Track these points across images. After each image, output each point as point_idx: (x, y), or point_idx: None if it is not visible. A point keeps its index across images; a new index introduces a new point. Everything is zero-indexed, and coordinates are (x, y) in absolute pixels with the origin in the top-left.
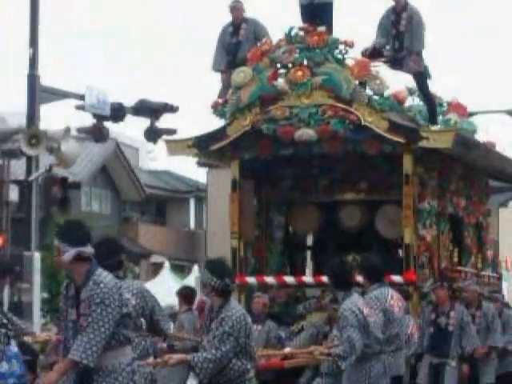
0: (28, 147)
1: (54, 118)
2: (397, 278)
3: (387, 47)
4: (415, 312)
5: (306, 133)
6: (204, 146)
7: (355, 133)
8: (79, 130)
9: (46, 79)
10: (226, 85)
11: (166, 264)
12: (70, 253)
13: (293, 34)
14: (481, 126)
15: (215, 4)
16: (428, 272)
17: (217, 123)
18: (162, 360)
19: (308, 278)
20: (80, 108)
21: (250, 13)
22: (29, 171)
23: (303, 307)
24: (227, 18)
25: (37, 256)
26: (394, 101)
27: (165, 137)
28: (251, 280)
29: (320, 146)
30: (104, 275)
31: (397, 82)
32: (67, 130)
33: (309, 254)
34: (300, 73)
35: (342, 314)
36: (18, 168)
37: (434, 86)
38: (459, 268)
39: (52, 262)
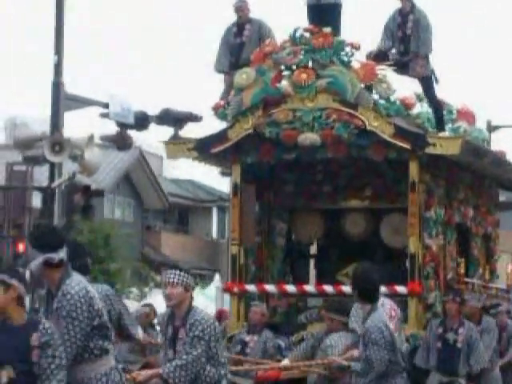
0: (51, 154)
1: (78, 125)
2: (401, 289)
3: (393, 50)
4: (420, 324)
5: (310, 137)
6: (204, 149)
7: (360, 138)
8: (103, 138)
9: (71, 86)
10: (229, 86)
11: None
12: (37, 259)
13: (298, 35)
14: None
15: (220, 4)
16: (433, 283)
17: (218, 126)
18: (130, 376)
19: (310, 287)
20: (104, 116)
21: (255, 13)
22: (52, 178)
23: (304, 317)
24: (232, 18)
25: None
26: (401, 106)
27: (164, 138)
28: (251, 288)
29: (324, 151)
30: (73, 285)
31: (404, 86)
32: (91, 138)
33: (312, 262)
34: (304, 75)
35: (368, 331)
36: (41, 175)
37: (441, 93)
38: (466, 279)
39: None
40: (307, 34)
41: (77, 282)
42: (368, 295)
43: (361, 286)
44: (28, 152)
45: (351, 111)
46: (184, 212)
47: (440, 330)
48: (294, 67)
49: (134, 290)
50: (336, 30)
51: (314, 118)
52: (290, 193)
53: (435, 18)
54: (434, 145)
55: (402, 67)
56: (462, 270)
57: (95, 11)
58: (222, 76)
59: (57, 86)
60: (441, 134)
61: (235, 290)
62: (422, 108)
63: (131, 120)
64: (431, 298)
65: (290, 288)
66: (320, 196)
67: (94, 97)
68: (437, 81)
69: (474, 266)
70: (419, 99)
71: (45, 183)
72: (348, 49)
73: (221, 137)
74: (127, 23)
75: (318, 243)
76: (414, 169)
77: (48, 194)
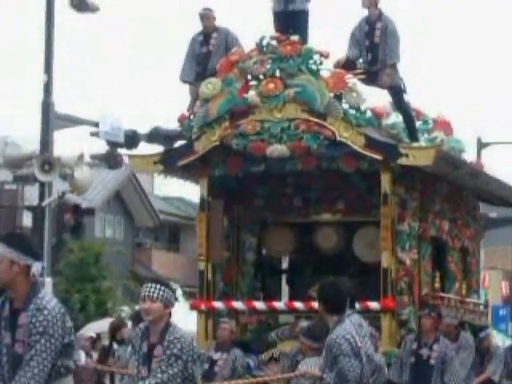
0: (41, 173)
1: (68, 144)
2: (373, 305)
3: (360, 60)
4: (393, 342)
5: (278, 149)
6: (170, 163)
7: (330, 149)
8: (93, 157)
9: (60, 106)
10: (195, 97)
11: (179, 291)
12: (20, 263)
13: (264, 43)
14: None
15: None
16: (407, 299)
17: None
18: None
19: (280, 304)
20: (94, 135)
21: (221, 21)
22: (42, 197)
23: (275, 334)
24: (197, 27)
25: (48, 281)
26: (372, 115)
27: (128, 152)
28: (219, 305)
29: (293, 163)
30: (48, 299)
31: (378, 96)
32: (81, 157)
33: (284, 277)
34: (272, 85)
35: (335, 342)
36: (31, 194)
37: (415, 102)
38: (441, 294)
39: (65, 288)
40: (274, 42)
41: (50, 298)
42: (334, 307)
43: (326, 297)
44: (18, 171)
45: (320, 121)
46: (175, 229)
47: (414, 346)
48: (262, 77)
49: (126, 308)
50: (304, 38)
51: (282, 129)
52: (260, 206)
53: (442, 32)
54: (407, 155)
55: (370, 77)
56: (438, 285)
57: (84, 31)
58: (188, 87)
59: (46, 104)
60: (414, 145)
61: (202, 307)
62: (398, 118)
63: (121, 138)
64: (405, 314)
65: (260, 305)
66: (291, 209)
67: (84, 116)
68: (405, 90)
69: (451, 280)
70: (395, 109)
71: (35, 202)
72: (316, 57)
73: (187, 149)
74: (118, 41)
75: (290, 258)
76: (386, 180)
77: (38, 213)
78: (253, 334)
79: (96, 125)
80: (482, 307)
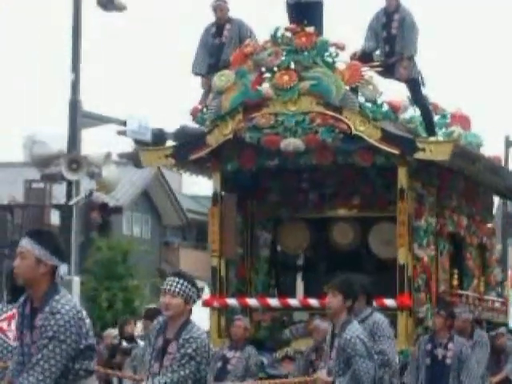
0: (69, 172)
1: (95, 142)
2: (390, 302)
3: (377, 52)
4: (410, 340)
5: (293, 143)
6: (182, 156)
7: (346, 143)
8: (120, 156)
9: (88, 104)
10: (208, 90)
11: (206, 289)
12: (47, 263)
13: (279, 35)
14: None
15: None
16: (424, 296)
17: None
18: None
19: (294, 301)
20: (121, 133)
21: (234, 12)
22: (69, 196)
23: (289, 332)
24: (210, 18)
25: (76, 280)
26: (389, 109)
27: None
28: (232, 302)
29: (308, 157)
30: (64, 302)
31: (395, 89)
32: (108, 156)
33: (299, 274)
34: (286, 77)
35: (350, 342)
36: (59, 192)
37: (435, 96)
38: (459, 292)
39: (93, 286)
40: (289, 34)
41: (67, 300)
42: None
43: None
44: (46, 170)
45: (336, 115)
46: (202, 228)
47: (429, 347)
48: (276, 69)
49: (154, 306)
50: (319, 30)
51: (296, 122)
52: (275, 202)
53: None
54: (424, 150)
55: (387, 69)
56: (456, 282)
57: (112, 29)
58: (200, 79)
59: (74, 103)
60: (431, 139)
61: (215, 304)
62: (415, 112)
63: (148, 137)
64: (422, 312)
65: (274, 302)
66: (306, 205)
67: (112, 114)
68: (423, 83)
69: (469, 277)
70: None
71: (63, 200)
72: (332, 49)
73: (199, 143)
74: (146, 40)
75: (305, 254)
76: (402, 175)
77: (66, 211)
78: (267, 332)
79: (123, 123)
80: (500, 304)
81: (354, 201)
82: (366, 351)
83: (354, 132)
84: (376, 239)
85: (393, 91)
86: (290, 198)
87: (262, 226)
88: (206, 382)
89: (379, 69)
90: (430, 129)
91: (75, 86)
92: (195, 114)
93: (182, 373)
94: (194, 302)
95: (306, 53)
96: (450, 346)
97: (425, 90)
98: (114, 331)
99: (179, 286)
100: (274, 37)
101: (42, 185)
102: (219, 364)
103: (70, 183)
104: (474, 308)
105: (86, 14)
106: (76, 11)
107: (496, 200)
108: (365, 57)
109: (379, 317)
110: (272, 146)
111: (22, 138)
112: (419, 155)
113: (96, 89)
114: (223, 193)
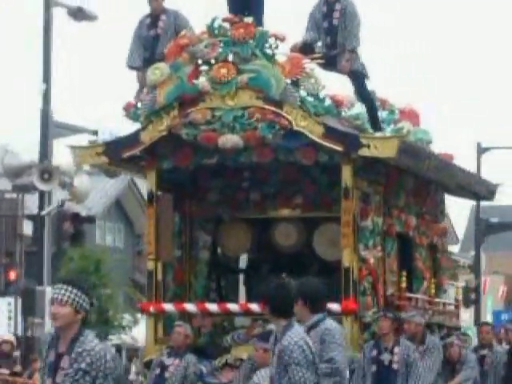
0: (40, 182)
1: (67, 153)
2: (334, 307)
3: (319, 43)
4: (356, 346)
5: (231, 139)
6: (115, 154)
7: (287, 139)
8: (92, 165)
9: (59, 114)
10: (143, 84)
11: None
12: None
13: (216, 25)
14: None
15: None
16: (371, 299)
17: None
18: None
19: (234, 306)
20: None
21: (170, 3)
22: (41, 206)
23: (231, 338)
24: (145, 10)
25: (49, 290)
26: (332, 103)
27: (71, 143)
28: (168, 307)
29: (248, 155)
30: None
31: (339, 82)
32: (79, 166)
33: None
34: (224, 70)
35: (287, 349)
36: (32, 203)
37: (384, 92)
38: (408, 295)
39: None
40: (226, 25)
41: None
42: (282, 310)
43: (273, 299)
44: (18, 180)
45: (276, 110)
46: None
47: (374, 353)
48: (213, 61)
49: (127, 316)
50: (258, 20)
51: (235, 117)
52: (214, 202)
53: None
54: (369, 146)
55: (329, 62)
56: (404, 285)
57: (83, 38)
58: (136, 74)
59: (45, 113)
60: (376, 135)
61: (151, 310)
62: (362, 108)
63: None
64: (369, 317)
65: (213, 307)
66: (247, 205)
67: (83, 124)
68: (366, 76)
69: (419, 279)
70: None
71: (35, 211)
72: (272, 40)
73: (132, 140)
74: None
75: (248, 257)
76: (347, 173)
77: (38, 221)
78: (207, 338)
79: (95, 133)
80: (452, 307)
81: (297, 200)
82: (304, 359)
83: (294, 128)
84: (321, 241)
85: (338, 86)
86: (230, 197)
87: (202, 227)
88: None
89: (321, 61)
90: (375, 124)
91: (46, 96)
92: (128, 110)
93: None
94: (86, 310)
95: (244, 44)
96: (397, 350)
97: (369, 84)
98: None
99: (68, 293)
100: (210, 28)
101: (14, 195)
102: (157, 371)
103: (42, 193)
104: (425, 311)
105: (57, 24)
106: (47, 21)
107: (469, 205)
108: (306, 48)
109: (330, 323)
110: (209, 142)
111: None
112: (364, 152)
113: (67, 99)
114: (159, 192)
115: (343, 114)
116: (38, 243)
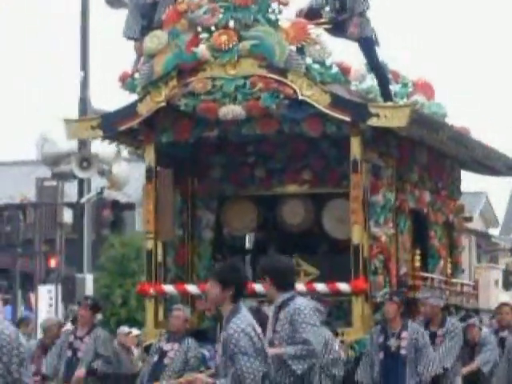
0: (79, 170)
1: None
2: (343, 287)
3: (327, 8)
4: (366, 328)
5: (232, 110)
6: (110, 128)
7: (292, 110)
8: (130, 152)
9: (98, 102)
10: (140, 54)
11: None
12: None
13: None
14: None
15: None
16: (383, 279)
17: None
18: None
19: None
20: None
21: None
22: (81, 194)
23: None
24: None
25: (89, 277)
26: (339, 71)
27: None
28: (169, 289)
29: (251, 127)
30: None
31: (349, 51)
32: (118, 153)
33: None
34: (225, 37)
35: (232, 337)
36: (71, 190)
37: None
38: (423, 274)
39: (106, 283)
40: None
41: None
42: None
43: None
44: (56, 168)
45: (280, 78)
46: None
47: (381, 339)
48: (213, 28)
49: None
50: None
51: (236, 87)
52: (217, 178)
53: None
54: (378, 115)
55: (337, 27)
56: (418, 264)
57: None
58: (134, 44)
59: (83, 100)
60: (385, 104)
61: (151, 291)
62: (374, 81)
63: None
64: (380, 297)
65: None
66: (252, 181)
67: None
68: (378, 43)
69: (434, 258)
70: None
71: (75, 199)
72: (275, 5)
73: (129, 112)
74: None
75: (254, 236)
76: (355, 145)
77: (78, 209)
78: (211, 322)
79: None
80: (470, 288)
81: (305, 176)
82: (252, 348)
83: (300, 97)
84: (330, 218)
85: (348, 57)
86: (234, 173)
87: (205, 206)
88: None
89: (328, 26)
90: (386, 93)
91: (85, 84)
92: (124, 80)
93: None
94: None
95: (246, 10)
96: (404, 334)
97: (379, 50)
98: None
99: None
100: None
101: (54, 183)
102: (155, 358)
103: (81, 181)
104: (441, 292)
105: (94, 11)
106: (84, 9)
107: (509, 186)
108: (312, 13)
109: (301, 301)
110: (209, 113)
111: (34, 137)
112: (373, 121)
113: (106, 87)
114: (158, 168)
115: (354, 87)
116: (77, 231)
